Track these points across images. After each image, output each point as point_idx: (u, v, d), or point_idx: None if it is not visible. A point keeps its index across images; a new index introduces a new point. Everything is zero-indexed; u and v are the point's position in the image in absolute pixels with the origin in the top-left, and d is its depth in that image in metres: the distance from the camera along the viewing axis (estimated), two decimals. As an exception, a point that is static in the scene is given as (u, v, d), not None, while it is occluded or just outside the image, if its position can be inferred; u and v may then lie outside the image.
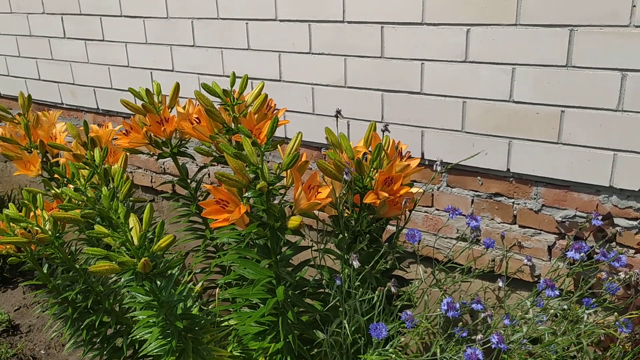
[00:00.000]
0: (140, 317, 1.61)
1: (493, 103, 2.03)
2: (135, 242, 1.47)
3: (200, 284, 1.94)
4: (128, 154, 2.07)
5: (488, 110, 2.05)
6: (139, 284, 1.50)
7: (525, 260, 2.11)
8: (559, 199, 2.02)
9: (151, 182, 3.31)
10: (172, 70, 2.90)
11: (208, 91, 1.70)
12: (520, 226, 2.15)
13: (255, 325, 1.75)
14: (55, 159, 2.50)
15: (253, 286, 1.56)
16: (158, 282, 1.54)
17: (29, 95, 2.58)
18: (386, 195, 1.43)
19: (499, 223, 2.19)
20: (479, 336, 1.32)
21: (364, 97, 2.32)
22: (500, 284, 1.84)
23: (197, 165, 2.96)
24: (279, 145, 1.56)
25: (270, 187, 1.42)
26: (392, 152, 1.51)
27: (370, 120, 2.34)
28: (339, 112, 1.60)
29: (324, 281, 1.71)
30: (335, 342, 1.65)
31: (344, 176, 1.39)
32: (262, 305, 1.78)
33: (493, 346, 1.27)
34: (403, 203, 1.47)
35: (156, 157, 2.05)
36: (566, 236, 2.06)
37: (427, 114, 2.19)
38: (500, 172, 2.11)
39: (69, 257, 1.85)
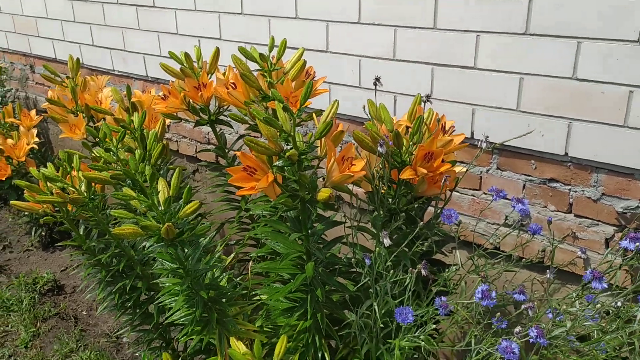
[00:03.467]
0: (166, 284, 1.57)
1: (554, 80, 1.87)
2: (162, 206, 1.43)
3: (232, 255, 1.89)
4: (167, 119, 2.04)
5: (548, 87, 1.89)
6: (165, 250, 1.46)
7: (579, 253, 1.95)
8: (622, 187, 1.85)
9: (195, 151, 3.30)
10: (219, 39, 2.85)
11: (245, 55, 1.63)
12: (575, 215, 1.99)
13: (284, 301, 1.69)
14: (99, 123, 2.51)
15: (281, 260, 1.50)
16: (185, 250, 1.49)
17: (78, 59, 2.59)
18: (424, 171, 1.32)
19: (552, 211, 2.04)
20: (518, 328, 1.21)
21: (413, 70, 2.20)
22: (549, 275, 1.71)
23: (236, 133, 2.92)
24: (314, 115, 1.47)
25: (302, 156, 1.34)
26: (434, 126, 1.39)
27: (411, 95, 2.23)
28: (377, 79, 1.49)
29: (358, 260, 1.62)
30: (365, 325, 1.57)
31: (379, 148, 1.29)
32: (292, 281, 1.71)
33: (531, 340, 1.16)
34: (443, 181, 1.35)
35: (194, 124, 2.00)
36: (626, 228, 1.89)
37: (480, 90, 2.04)
38: (557, 156, 1.95)
39: (103, 219, 1.83)
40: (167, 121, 2.26)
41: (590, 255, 1.99)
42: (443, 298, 1.37)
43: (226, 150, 2.08)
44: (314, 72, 1.69)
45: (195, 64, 1.94)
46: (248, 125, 1.74)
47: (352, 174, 1.31)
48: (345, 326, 1.76)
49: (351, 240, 1.61)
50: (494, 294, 1.24)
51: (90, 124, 2.53)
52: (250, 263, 2.11)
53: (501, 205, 2.16)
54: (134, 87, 3.52)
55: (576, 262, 2.05)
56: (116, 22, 3.36)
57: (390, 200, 1.49)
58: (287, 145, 1.39)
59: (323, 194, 1.29)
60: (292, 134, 1.34)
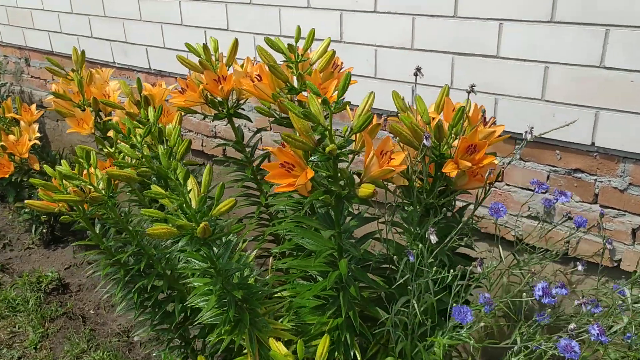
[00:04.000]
0: (195, 284, 1.53)
1: (580, 69, 1.83)
2: (194, 204, 1.38)
3: (254, 252, 1.84)
4: (183, 113, 1.98)
5: (574, 76, 1.85)
6: (195, 249, 1.41)
7: (606, 244, 1.94)
8: (650, 177, 1.83)
9: (202, 145, 3.24)
10: (226, 30, 2.78)
11: (271, 46, 1.57)
12: (601, 206, 1.97)
13: (312, 298, 1.64)
14: (107, 118, 2.44)
15: (315, 258, 1.45)
16: (215, 249, 1.45)
17: (83, 51, 2.51)
18: (468, 164, 1.28)
19: (577, 202, 2.01)
20: (572, 325, 1.18)
21: (432, 60, 2.16)
22: (580, 267, 1.68)
23: (249, 129, 2.86)
24: (347, 107, 1.42)
25: (339, 151, 1.29)
26: (476, 118, 1.35)
27: (438, 86, 2.18)
28: (418, 69, 1.44)
29: (390, 256, 1.58)
30: (400, 322, 1.53)
31: (424, 141, 1.25)
32: (319, 278, 1.67)
33: (593, 338, 1.12)
34: (487, 174, 1.32)
35: (211, 118, 1.94)
36: (654, 218, 1.87)
37: (503, 79, 2.01)
38: (582, 146, 1.92)
39: (122, 217, 1.77)
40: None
41: (616, 245, 1.97)
42: (487, 295, 1.33)
43: (244, 144, 2.02)
44: (342, 63, 1.64)
45: (212, 56, 1.87)
46: (273, 119, 1.68)
47: (393, 168, 1.27)
48: (376, 323, 1.72)
49: (383, 236, 1.58)
50: (554, 290, 1.21)
51: (96, 118, 2.46)
52: (271, 259, 2.07)
53: (523, 196, 2.13)
54: (136, 79, 3.44)
55: (601, 252, 2.03)
56: (117, 12, 3.27)
57: (425, 194, 1.45)
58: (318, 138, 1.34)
59: (366, 190, 1.25)
60: (329, 127, 1.29)
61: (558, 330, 1.56)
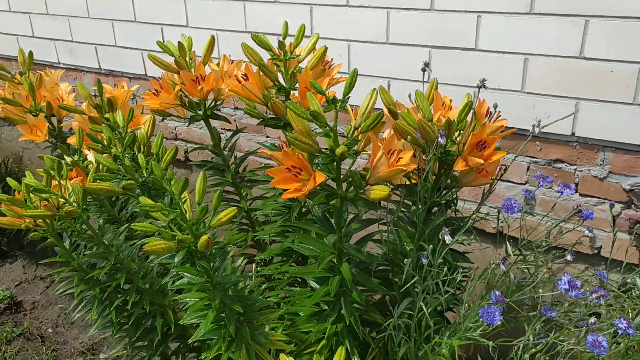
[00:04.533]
0: (188, 299, 1.42)
1: (560, 60, 1.85)
2: (188, 215, 1.28)
3: (240, 260, 1.75)
4: (155, 117, 1.85)
5: (554, 67, 1.86)
6: (193, 263, 1.31)
7: (586, 232, 1.96)
8: (629, 165, 1.86)
9: (161, 148, 3.08)
10: (185, 26, 2.65)
11: (259, 43, 1.49)
12: (581, 195, 2.00)
13: (310, 306, 1.58)
14: (65, 123, 2.27)
15: (318, 263, 1.38)
16: (211, 263, 1.35)
17: (30, 52, 2.33)
18: (480, 161, 1.24)
19: (557, 192, 2.03)
20: (593, 319, 1.17)
21: (408, 54, 2.12)
22: (569, 257, 1.69)
23: (221, 130, 2.75)
24: (348, 107, 1.36)
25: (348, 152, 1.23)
26: (482, 113, 1.32)
27: (414, 80, 2.16)
28: (427, 64, 1.39)
29: (391, 258, 1.53)
30: (402, 325, 1.49)
31: (439, 139, 1.20)
32: (313, 284, 1.60)
33: (620, 332, 1.11)
34: (497, 170, 1.29)
35: (186, 120, 1.83)
36: (632, 205, 1.91)
37: (482, 72, 1.99)
38: (563, 137, 1.94)
39: (98, 232, 1.64)
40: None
41: (596, 233, 2.01)
42: (497, 292, 1.31)
43: (221, 148, 1.92)
44: (332, 59, 1.57)
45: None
46: (259, 120, 1.59)
47: (404, 168, 1.22)
48: (374, 327, 1.67)
49: (382, 238, 1.53)
50: (579, 282, 1.19)
51: (50, 125, 2.29)
52: (254, 266, 1.98)
53: (504, 189, 2.14)
54: (83, 80, 3.24)
55: (582, 240, 2.06)
56: (61, 9, 3.06)
57: (426, 193, 1.40)
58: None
59: (380, 192, 1.19)
60: (334, 128, 1.22)
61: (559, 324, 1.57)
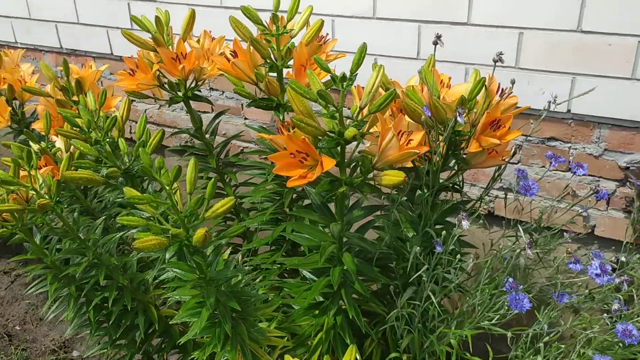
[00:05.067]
0: (179, 297, 1.31)
1: (557, 34, 1.78)
2: (180, 207, 1.16)
3: (229, 252, 1.64)
4: (131, 99, 1.71)
5: (550, 42, 1.79)
6: (183, 257, 1.20)
7: (580, 210, 1.92)
8: (626, 142, 1.82)
9: (130, 132, 2.92)
10: (154, 0, 2.48)
11: (249, 16, 1.36)
12: (573, 173, 1.95)
13: (308, 299, 1.48)
14: (29, 107, 2.10)
15: (320, 255, 1.29)
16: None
17: (-13, 30, 2.13)
18: (496, 142, 1.16)
19: (551, 170, 1.98)
20: (616, 306, 1.11)
21: (396, 29, 2.02)
22: (568, 239, 1.64)
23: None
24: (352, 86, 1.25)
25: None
26: (493, 90, 1.23)
27: (403, 57, 2.06)
28: (439, 37, 1.29)
29: (396, 246, 1.45)
30: (409, 316, 1.42)
31: (458, 118, 1.11)
32: (307, 275, 1.51)
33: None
34: (512, 151, 1.21)
35: (166, 102, 1.69)
36: (628, 183, 1.88)
37: (474, 48, 1.91)
38: (558, 114, 1.88)
39: (73, 226, 1.51)
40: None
41: (590, 212, 1.97)
42: (510, 279, 1.24)
43: (203, 132, 1.79)
44: (327, 34, 1.46)
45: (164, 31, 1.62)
46: (249, 101, 1.47)
47: (417, 151, 1.13)
48: (374, 319, 1.59)
49: (385, 225, 1.44)
50: (609, 267, 1.13)
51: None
52: (240, 256, 1.88)
53: (492, 170, 2.07)
54: (43, 61, 3.03)
55: (575, 220, 2.02)
56: (16, -15, 2.84)
57: (436, 176, 1.32)
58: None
59: (393, 177, 1.09)
60: (340, 109, 1.12)
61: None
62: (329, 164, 1.07)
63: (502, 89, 1.25)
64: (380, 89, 1.25)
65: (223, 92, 2.52)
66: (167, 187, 1.08)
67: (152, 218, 1.14)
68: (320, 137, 1.14)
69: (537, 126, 1.80)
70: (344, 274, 1.40)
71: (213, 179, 1.15)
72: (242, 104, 2.48)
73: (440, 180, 1.37)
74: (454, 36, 1.93)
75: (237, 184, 1.85)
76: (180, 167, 1.07)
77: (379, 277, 1.39)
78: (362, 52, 1.11)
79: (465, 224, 1.13)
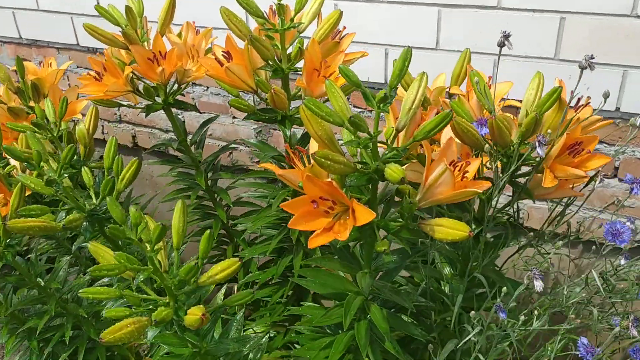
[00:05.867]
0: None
1: (606, 19, 1.50)
2: (164, 264, 0.88)
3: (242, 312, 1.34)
4: (97, 108, 1.40)
5: (597, 28, 1.52)
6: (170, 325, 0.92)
7: (628, 223, 1.67)
8: (685, 145, 1.56)
9: (102, 132, 2.60)
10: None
11: (246, 7, 1.06)
12: (621, 180, 1.69)
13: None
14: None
15: (345, 311, 1.01)
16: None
17: None
18: (580, 173, 0.88)
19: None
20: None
21: (411, 15, 1.73)
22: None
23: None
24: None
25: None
26: (565, 101, 0.95)
27: (418, 47, 1.77)
28: (506, 37, 1.00)
29: (437, 296, 1.18)
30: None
31: (538, 149, 0.83)
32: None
33: None
34: (598, 178, 0.94)
35: (142, 110, 1.39)
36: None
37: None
38: (603, 113, 1.60)
39: (31, 272, 1.21)
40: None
41: (639, 225, 1.72)
42: (584, 340, 0.98)
43: (187, 144, 1.49)
44: (344, 27, 1.16)
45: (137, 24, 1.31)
46: (248, 114, 1.17)
47: (477, 190, 0.85)
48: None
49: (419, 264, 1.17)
50: None
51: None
52: (236, 289, 1.60)
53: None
54: (1, 54, 2.68)
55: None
56: (-36, -35, 2.47)
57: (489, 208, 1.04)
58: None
59: (453, 231, 0.81)
60: (375, 137, 0.83)
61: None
62: (364, 216, 0.79)
63: (578, 99, 0.97)
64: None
65: (208, 87, 2.20)
66: (149, 251, 0.79)
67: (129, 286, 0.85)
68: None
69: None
70: (372, 330, 1.12)
71: (208, 232, 0.86)
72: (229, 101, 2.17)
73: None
74: (481, 22, 1.64)
75: (231, 204, 1.55)
76: (164, 226, 0.78)
77: (416, 334, 1.12)
78: (407, 59, 0.82)
79: (538, 285, 0.86)
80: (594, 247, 1.25)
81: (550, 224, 1.16)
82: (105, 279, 1.17)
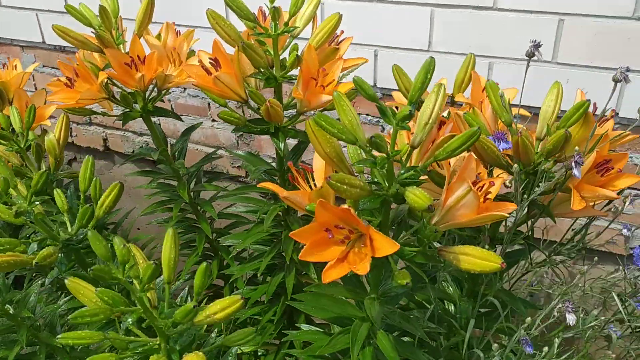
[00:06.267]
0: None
1: (606, 21, 1.45)
2: (154, 299, 0.78)
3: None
4: (68, 116, 1.29)
5: (597, 31, 1.47)
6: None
7: (625, 231, 1.63)
8: (686, 151, 1.53)
9: (71, 135, 2.45)
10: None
11: (235, 9, 0.95)
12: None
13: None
14: None
15: (352, 339, 0.93)
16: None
17: None
18: (611, 194, 0.82)
19: (589, 183, 1.67)
20: None
21: (402, 16, 1.65)
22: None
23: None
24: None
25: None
26: (591, 117, 0.88)
27: (408, 49, 1.69)
28: (536, 46, 0.92)
29: (447, 319, 1.10)
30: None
31: (574, 171, 0.76)
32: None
33: None
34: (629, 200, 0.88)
35: (117, 118, 1.28)
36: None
37: (501, 38, 1.57)
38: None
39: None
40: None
41: (637, 232, 1.68)
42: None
43: (169, 154, 1.38)
44: (342, 32, 1.07)
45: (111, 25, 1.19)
46: (239, 126, 1.07)
47: (504, 214, 0.77)
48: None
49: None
50: None
51: None
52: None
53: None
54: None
55: (616, 240, 1.74)
56: None
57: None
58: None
59: (482, 261, 0.73)
60: (391, 157, 0.75)
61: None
62: (385, 247, 0.70)
63: (602, 110, 0.90)
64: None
65: (185, 88, 2.09)
66: (139, 291, 0.69)
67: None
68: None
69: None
70: (376, 355, 1.04)
71: (204, 266, 0.77)
72: (208, 103, 2.06)
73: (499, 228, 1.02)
74: (476, 23, 1.58)
75: (215, 217, 1.44)
76: (156, 265, 0.68)
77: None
78: (429, 70, 0.74)
79: (571, 319, 0.79)
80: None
81: (572, 239, 1.10)
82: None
